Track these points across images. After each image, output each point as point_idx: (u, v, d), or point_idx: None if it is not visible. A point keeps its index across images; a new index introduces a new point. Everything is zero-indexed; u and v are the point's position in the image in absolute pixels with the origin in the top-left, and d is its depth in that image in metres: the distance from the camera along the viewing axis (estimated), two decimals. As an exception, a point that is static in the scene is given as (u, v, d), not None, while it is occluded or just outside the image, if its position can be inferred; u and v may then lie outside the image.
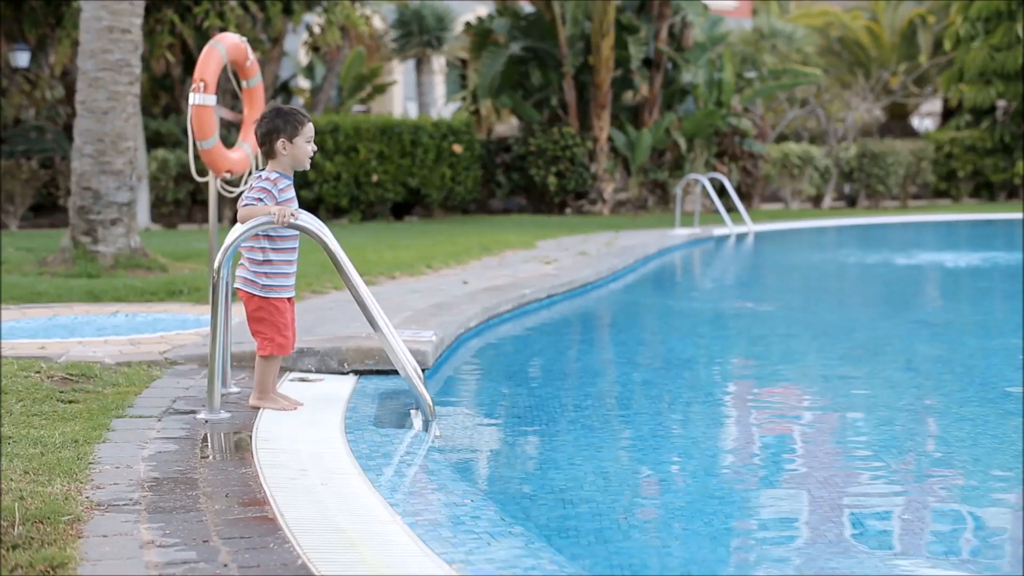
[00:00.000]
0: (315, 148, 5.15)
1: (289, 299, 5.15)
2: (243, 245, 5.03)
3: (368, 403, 5.40)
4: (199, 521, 3.46)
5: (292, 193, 5.07)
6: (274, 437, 4.59)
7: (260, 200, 4.93)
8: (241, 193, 5.43)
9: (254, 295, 5.06)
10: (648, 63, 21.90)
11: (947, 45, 25.77)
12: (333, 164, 19.25)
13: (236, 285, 5.13)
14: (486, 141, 22.15)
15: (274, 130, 5.00)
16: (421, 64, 27.39)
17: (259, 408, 5.07)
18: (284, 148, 5.00)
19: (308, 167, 5.16)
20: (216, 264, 4.83)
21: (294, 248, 5.13)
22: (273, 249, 5.05)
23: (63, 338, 6.95)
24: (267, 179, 4.99)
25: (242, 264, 5.11)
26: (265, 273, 5.05)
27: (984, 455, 4.83)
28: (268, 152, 5.04)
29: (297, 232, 5.02)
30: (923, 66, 28.42)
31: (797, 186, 23.96)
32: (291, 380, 5.84)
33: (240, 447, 4.47)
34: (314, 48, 23.08)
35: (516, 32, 21.75)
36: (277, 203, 4.96)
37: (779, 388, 6.49)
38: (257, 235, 4.98)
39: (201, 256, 11.75)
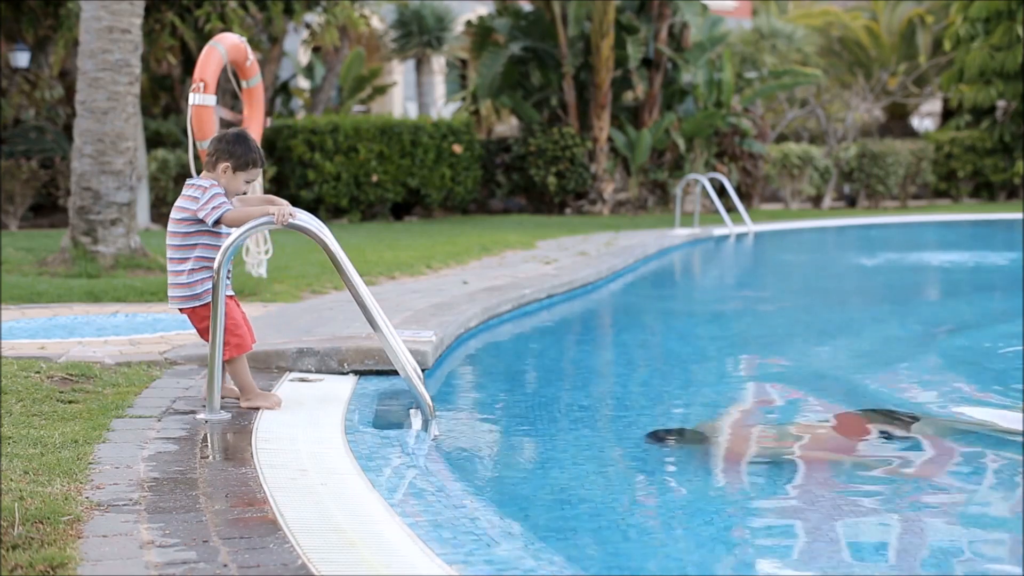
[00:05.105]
0: (246, 191, 5.17)
1: (230, 296, 5.10)
2: (171, 258, 5.03)
3: (368, 403, 5.40)
4: (199, 521, 3.46)
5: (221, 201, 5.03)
6: (274, 437, 4.59)
7: (224, 199, 4.93)
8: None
9: (196, 308, 5.05)
10: (648, 63, 21.91)
11: (947, 45, 25.78)
12: (333, 164, 19.25)
13: (175, 306, 5.11)
14: (486, 141, 22.15)
15: (225, 153, 5.02)
16: (421, 64, 27.38)
17: (256, 408, 5.07)
18: (224, 172, 5.03)
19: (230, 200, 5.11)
20: (216, 264, 4.83)
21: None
22: (208, 245, 5.00)
23: (63, 338, 6.95)
24: (211, 185, 4.98)
25: (174, 284, 5.06)
26: (199, 280, 5.02)
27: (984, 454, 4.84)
28: (209, 165, 5.08)
29: (226, 229, 5.01)
30: (923, 66, 28.42)
31: (797, 186, 23.96)
32: (291, 380, 5.84)
33: (240, 447, 4.46)
34: (314, 48, 23.08)
35: (516, 32, 21.76)
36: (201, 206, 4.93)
37: (779, 387, 6.49)
38: (194, 240, 4.99)
39: (201, 256, 11.73)
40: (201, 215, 4.92)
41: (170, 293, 5.10)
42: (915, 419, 5.52)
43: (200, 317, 5.05)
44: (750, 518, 3.96)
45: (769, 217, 20.64)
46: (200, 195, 4.95)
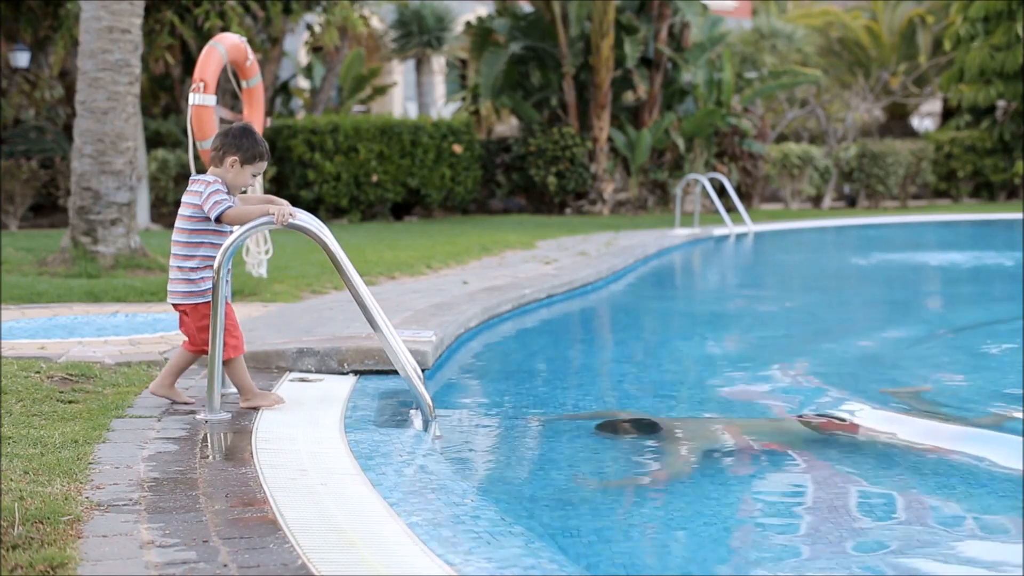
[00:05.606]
0: (252, 184, 5.18)
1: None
2: (176, 255, 5.03)
3: (368, 403, 5.40)
4: (199, 521, 3.46)
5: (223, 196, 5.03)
6: (274, 437, 4.59)
7: (225, 196, 4.94)
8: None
9: (198, 304, 5.04)
10: (648, 63, 21.91)
11: (947, 45, 25.78)
12: (333, 164, 19.25)
13: (175, 301, 5.09)
14: (486, 141, 22.16)
15: (233, 147, 5.02)
16: (421, 64, 27.39)
17: (256, 408, 5.08)
18: (231, 167, 5.03)
19: (234, 196, 5.11)
20: (216, 264, 4.83)
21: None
22: (213, 244, 5.00)
23: (63, 338, 6.95)
24: (213, 180, 5.00)
25: (174, 280, 5.06)
26: (202, 279, 5.02)
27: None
28: (215, 160, 5.07)
29: (230, 227, 5.02)
30: (923, 66, 28.43)
31: (797, 186, 23.96)
32: (291, 380, 5.85)
33: (240, 447, 4.47)
34: (314, 48, 23.09)
35: (516, 32, 21.76)
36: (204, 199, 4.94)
37: (779, 387, 6.49)
38: (200, 238, 4.99)
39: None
40: (205, 208, 4.94)
41: (171, 289, 5.09)
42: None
43: (200, 315, 5.05)
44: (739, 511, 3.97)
45: (769, 217, 20.64)
46: (203, 189, 4.97)
